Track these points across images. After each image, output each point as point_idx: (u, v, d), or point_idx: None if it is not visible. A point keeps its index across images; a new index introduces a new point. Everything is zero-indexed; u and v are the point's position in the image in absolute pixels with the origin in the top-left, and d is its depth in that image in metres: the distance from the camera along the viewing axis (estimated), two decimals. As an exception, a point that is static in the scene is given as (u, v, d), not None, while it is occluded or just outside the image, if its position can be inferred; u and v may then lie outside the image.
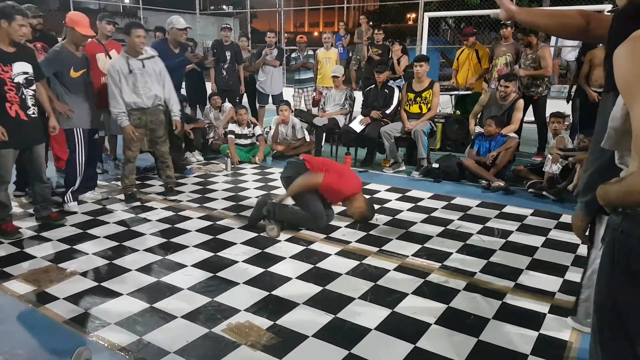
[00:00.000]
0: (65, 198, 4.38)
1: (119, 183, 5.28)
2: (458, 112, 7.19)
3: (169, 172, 4.92)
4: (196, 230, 3.95)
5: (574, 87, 6.44)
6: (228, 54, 7.36)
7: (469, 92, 6.95)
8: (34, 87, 3.73)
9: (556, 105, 6.82)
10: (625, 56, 1.20)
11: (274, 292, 2.92)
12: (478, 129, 5.66)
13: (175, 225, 4.06)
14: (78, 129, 4.32)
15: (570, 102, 6.52)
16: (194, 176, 5.67)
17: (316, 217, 3.91)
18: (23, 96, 3.64)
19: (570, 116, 6.63)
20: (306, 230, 3.93)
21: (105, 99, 4.45)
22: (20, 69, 3.62)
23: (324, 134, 6.69)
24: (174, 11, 16.23)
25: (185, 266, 3.29)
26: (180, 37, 5.26)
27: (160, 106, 4.68)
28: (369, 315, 2.67)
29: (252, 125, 6.53)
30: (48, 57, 4.23)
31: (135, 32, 4.40)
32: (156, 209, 4.49)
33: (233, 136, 6.36)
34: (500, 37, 6.90)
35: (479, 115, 5.89)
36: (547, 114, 5.71)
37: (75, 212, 4.33)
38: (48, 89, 4.06)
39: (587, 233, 1.87)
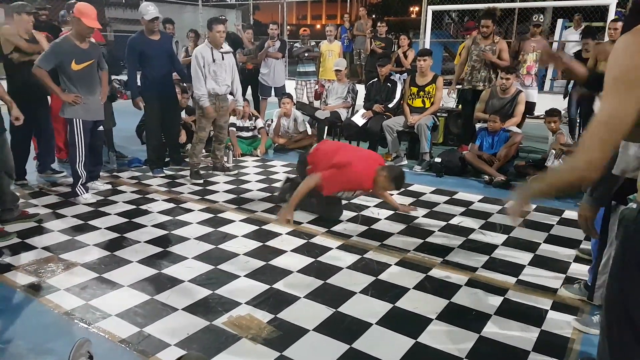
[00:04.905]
0: (77, 191, 4.37)
1: (120, 174, 5.31)
2: (460, 106, 7.15)
3: (219, 153, 5.48)
4: (197, 223, 3.94)
5: (572, 82, 6.42)
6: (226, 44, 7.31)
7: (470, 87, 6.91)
8: None
9: (556, 100, 6.80)
10: (621, 48, 1.17)
11: (275, 286, 2.91)
12: (481, 125, 5.63)
13: (177, 217, 4.05)
14: (78, 120, 4.25)
15: (567, 97, 6.51)
16: (196, 168, 5.65)
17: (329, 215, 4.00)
18: None
19: (566, 111, 6.64)
20: (308, 224, 3.93)
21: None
22: None
23: (326, 127, 6.67)
24: (176, 2, 16.17)
25: (187, 258, 3.28)
26: (152, 27, 5.03)
27: (229, 95, 5.28)
28: (370, 309, 2.66)
29: (253, 118, 6.51)
30: (48, 49, 4.19)
31: (216, 28, 4.89)
32: (157, 200, 4.49)
33: (234, 129, 6.34)
34: (526, 31, 6.81)
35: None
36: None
37: (86, 203, 4.34)
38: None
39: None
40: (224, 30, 5.00)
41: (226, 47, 5.14)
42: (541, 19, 6.49)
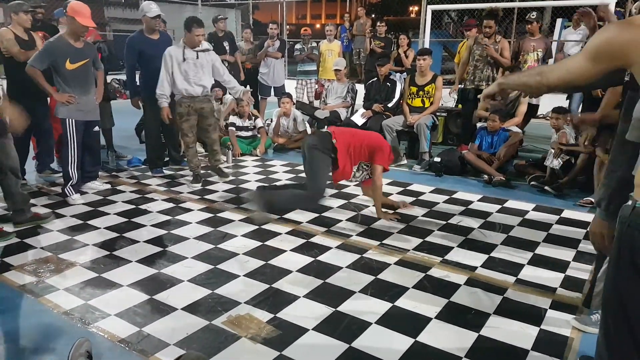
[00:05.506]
0: (66, 191, 4.35)
1: (119, 174, 5.31)
2: (460, 105, 7.16)
3: (218, 156, 5.28)
4: (197, 222, 3.94)
5: None
6: (226, 44, 7.32)
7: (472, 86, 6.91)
8: None
9: (557, 99, 6.81)
10: (605, 28, 1.37)
11: (275, 285, 2.91)
12: (481, 124, 5.64)
13: (176, 217, 4.05)
14: (70, 120, 4.23)
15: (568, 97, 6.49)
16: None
17: (317, 194, 3.81)
18: None
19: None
20: (307, 224, 3.93)
21: None
22: None
23: (326, 127, 6.66)
24: (176, 2, 16.15)
25: (186, 258, 3.28)
26: (154, 25, 5.00)
27: (208, 96, 5.00)
28: (369, 309, 2.66)
29: (253, 118, 6.51)
30: (42, 49, 4.17)
31: (196, 32, 4.69)
32: (157, 200, 4.49)
33: (234, 128, 6.34)
34: (525, 31, 6.74)
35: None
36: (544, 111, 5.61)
37: (78, 204, 4.32)
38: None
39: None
40: (203, 34, 4.83)
41: (204, 45, 4.94)
42: (532, 16, 6.42)
